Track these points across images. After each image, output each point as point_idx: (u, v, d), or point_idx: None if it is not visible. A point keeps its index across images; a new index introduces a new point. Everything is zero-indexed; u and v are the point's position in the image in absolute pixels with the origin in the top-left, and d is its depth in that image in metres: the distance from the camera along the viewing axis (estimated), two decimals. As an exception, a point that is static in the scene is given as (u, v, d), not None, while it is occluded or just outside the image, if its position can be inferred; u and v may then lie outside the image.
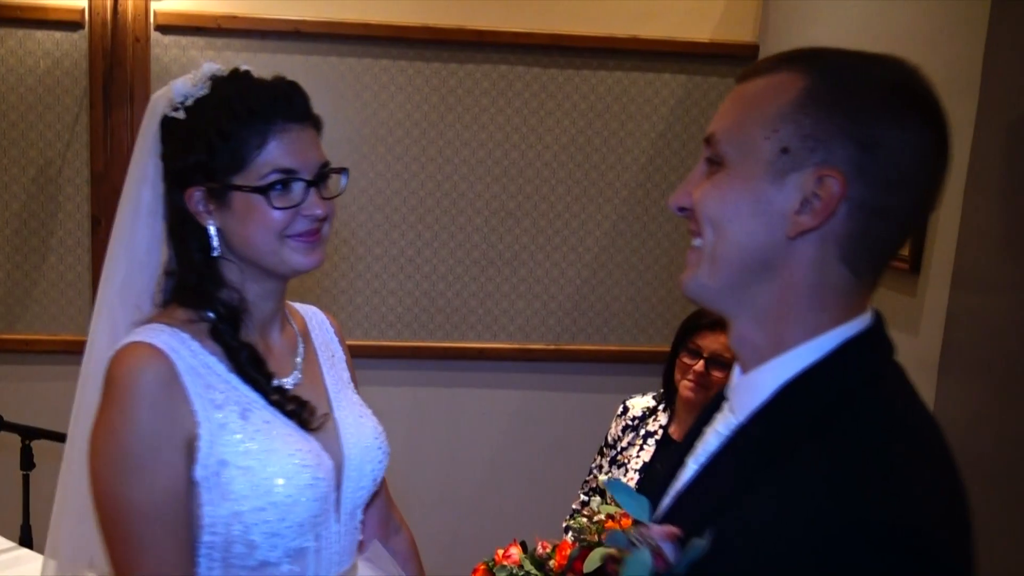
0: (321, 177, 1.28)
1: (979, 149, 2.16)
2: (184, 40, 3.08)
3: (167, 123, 1.27)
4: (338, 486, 1.33)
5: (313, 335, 1.47)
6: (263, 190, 1.22)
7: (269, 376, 1.29)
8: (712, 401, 1.05)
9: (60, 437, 2.34)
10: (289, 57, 3.11)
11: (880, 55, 0.87)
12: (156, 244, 1.30)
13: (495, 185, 3.25)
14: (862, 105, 0.82)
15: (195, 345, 1.24)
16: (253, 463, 1.21)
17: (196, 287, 1.27)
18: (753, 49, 3.25)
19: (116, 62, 3.03)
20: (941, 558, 0.77)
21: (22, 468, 2.33)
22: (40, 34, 3.03)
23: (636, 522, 0.89)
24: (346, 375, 1.48)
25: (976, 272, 2.17)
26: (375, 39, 3.12)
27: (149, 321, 1.27)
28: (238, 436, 1.22)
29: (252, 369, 1.27)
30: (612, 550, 0.91)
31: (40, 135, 3.08)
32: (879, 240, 0.84)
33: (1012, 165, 2.08)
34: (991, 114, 2.13)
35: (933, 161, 0.84)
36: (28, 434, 2.33)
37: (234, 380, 1.26)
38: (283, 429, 1.26)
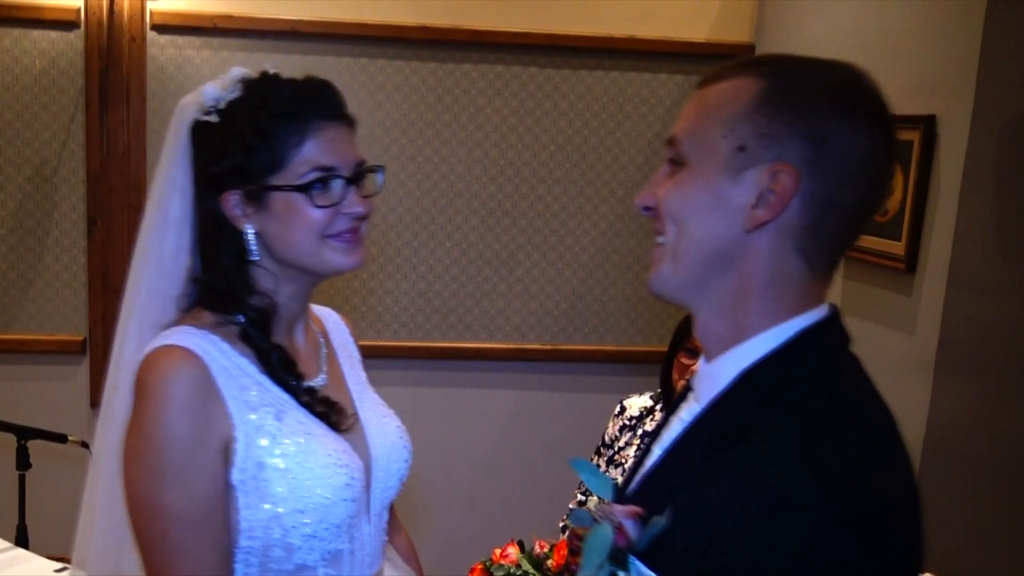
0: (359, 175, 1.27)
1: (975, 148, 2.16)
2: (180, 40, 3.08)
3: (199, 128, 1.25)
4: (367, 487, 1.32)
5: (331, 336, 1.45)
6: (304, 188, 1.21)
7: (300, 377, 1.27)
8: (681, 393, 1.09)
9: (56, 437, 2.35)
10: (286, 57, 3.11)
11: (832, 61, 0.92)
12: (183, 252, 1.28)
13: (491, 185, 3.25)
14: (812, 105, 0.87)
15: (226, 347, 1.22)
16: (291, 465, 1.20)
17: (226, 293, 1.25)
18: (749, 49, 3.25)
19: (112, 62, 3.03)
20: (893, 537, 0.81)
21: (18, 468, 2.32)
22: (36, 33, 3.02)
23: (600, 501, 0.93)
24: (363, 375, 1.47)
25: (972, 272, 2.18)
26: (372, 39, 3.13)
27: (176, 324, 1.24)
28: (274, 437, 1.20)
29: (283, 370, 1.25)
30: (577, 530, 0.93)
31: (36, 134, 3.07)
32: (831, 232, 0.89)
33: (1007, 165, 2.09)
34: (987, 113, 2.14)
35: (880, 158, 0.89)
36: (24, 434, 2.32)
37: (266, 382, 1.24)
38: (317, 430, 1.25)
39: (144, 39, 3.05)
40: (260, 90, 1.25)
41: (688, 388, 1.05)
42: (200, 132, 1.25)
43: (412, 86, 3.17)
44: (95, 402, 3.19)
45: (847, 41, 2.71)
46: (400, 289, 3.26)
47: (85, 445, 2.38)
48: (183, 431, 1.15)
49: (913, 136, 2.32)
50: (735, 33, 3.27)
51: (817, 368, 0.89)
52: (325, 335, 1.44)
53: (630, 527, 0.88)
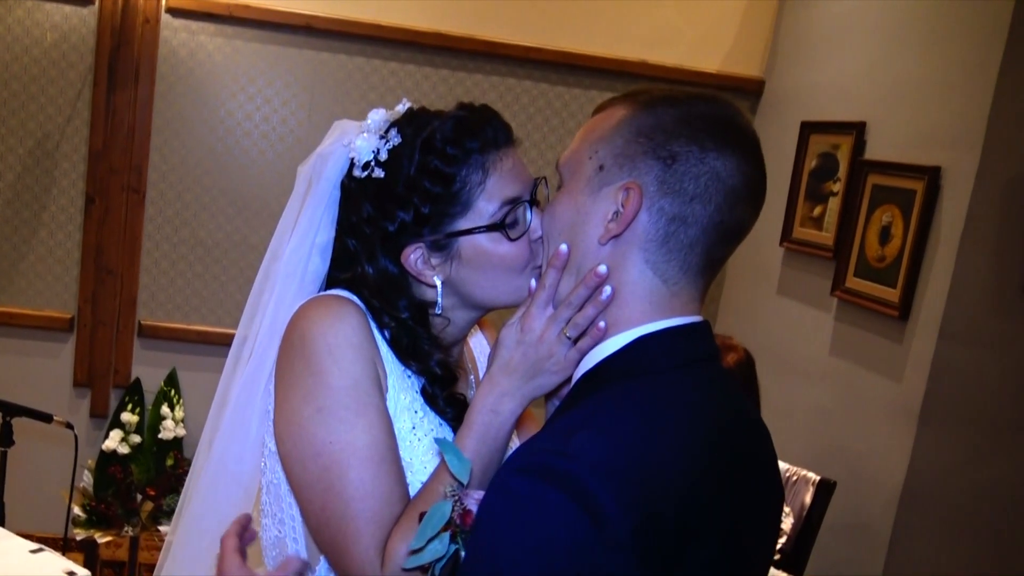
0: (535, 194, 1.17)
1: (977, 203, 2.19)
2: (194, 25, 3.07)
3: (362, 186, 1.15)
4: None
5: (475, 352, 1.38)
6: (499, 226, 1.12)
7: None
8: None
9: (41, 416, 2.33)
10: (299, 51, 3.10)
11: (700, 93, 0.98)
12: None
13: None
14: (665, 128, 0.93)
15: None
16: (414, 459, 1.12)
17: (407, 351, 1.15)
18: (759, 84, 3.29)
19: (124, 41, 3.01)
20: (596, 507, 0.78)
21: (1, 445, 2.30)
22: (49, 6, 3.00)
23: (459, 484, 0.95)
24: None
25: (964, 324, 2.20)
26: (386, 41, 3.13)
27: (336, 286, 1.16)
28: (414, 428, 1.14)
29: (458, 422, 1.15)
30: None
31: (41, 108, 3.05)
32: (682, 246, 0.93)
33: (1008, 222, 2.11)
34: (992, 169, 2.16)
35: (733, 181, 0.92)
36: (9, 411, 2.29)
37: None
38: (448, 436, 1.17)
39: (158, 21, 3.04)
40: (422, 132, 1.14)
41: None
42: (359, 189, 1.16)
43: (423, 91, 3.17)
44: (78, 381, 3.17)
45: (858, 86, 2.74)
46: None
47: (69, 426, 2.36)
48: (356, 368, 1.08)
49: (917, 186, 2.35)
50: (746, 67, 3.30)
51: (636, 370, 0.92)
52: (471, 355, 1.36)
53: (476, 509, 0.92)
